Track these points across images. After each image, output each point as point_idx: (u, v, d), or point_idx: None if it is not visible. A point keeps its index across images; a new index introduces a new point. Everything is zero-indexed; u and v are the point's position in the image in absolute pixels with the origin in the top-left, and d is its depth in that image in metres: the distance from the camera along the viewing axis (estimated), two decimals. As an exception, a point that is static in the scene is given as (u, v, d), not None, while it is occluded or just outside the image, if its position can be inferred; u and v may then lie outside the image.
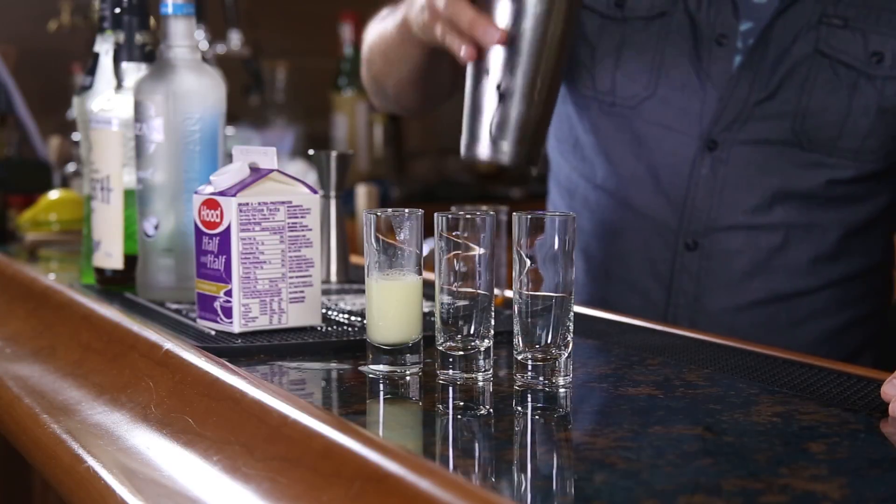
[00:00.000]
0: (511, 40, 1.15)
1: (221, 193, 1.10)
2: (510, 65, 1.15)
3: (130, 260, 1.35)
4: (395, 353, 0.99)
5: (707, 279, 1.46)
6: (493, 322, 0.97)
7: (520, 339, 0.95)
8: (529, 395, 0.94)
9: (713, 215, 1.45)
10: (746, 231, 1.45)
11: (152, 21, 1.38)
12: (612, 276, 1.53)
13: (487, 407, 0.93)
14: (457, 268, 0.95)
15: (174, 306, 1.25)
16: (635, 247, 1.50)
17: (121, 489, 0.85)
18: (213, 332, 1.11)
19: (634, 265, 1.50)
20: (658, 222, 1.48)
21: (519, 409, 0.92)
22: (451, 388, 0.96)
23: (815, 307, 1.47)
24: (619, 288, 1.51)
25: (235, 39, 3.22)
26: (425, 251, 1.02)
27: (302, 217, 1.12)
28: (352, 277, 1.43)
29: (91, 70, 1.43)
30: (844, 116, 1.41)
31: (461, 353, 0.97)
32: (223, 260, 1.09)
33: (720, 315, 1.46)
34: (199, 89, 1.26)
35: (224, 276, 1.09)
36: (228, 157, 1.17)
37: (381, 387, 0.98)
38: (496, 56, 1.16)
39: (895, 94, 1.40)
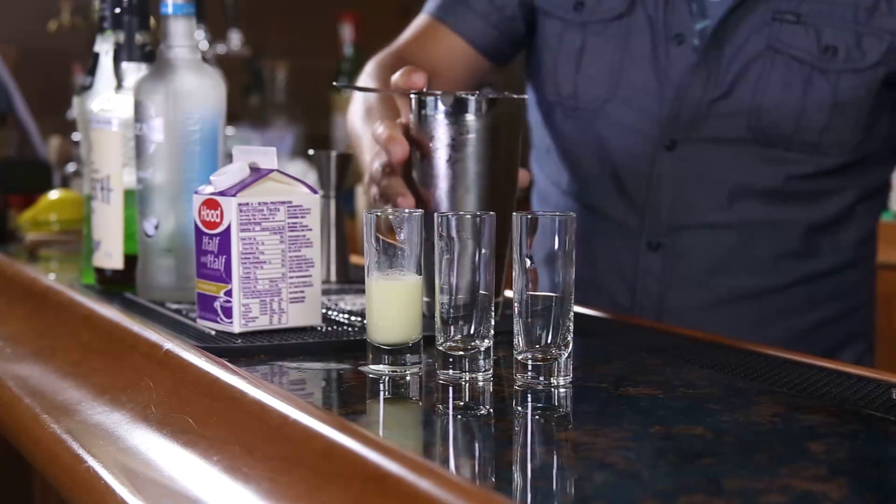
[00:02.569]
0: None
1: (221, 193, 1.10)
2: None
3: (130, 260, 1.35)
4: (395, 353, 0.99)
5: (670, 279, 1.47)
6: (493, 322, 0.97)
7: (520, 339, 0.95)
8: (529, 395, 0.94)
9: (674, 215, 1.46)
10: (708, 230, 1.45)
11: (152, 21, 1.38)
12: (581, 280, 1.53)
13: (487, 407, 0.93)
14: (457, 268, 0.95)
15: (174, 306, 1.25)
16: (601, 250, 1.51)
17: (121, 489, 0.85)
18: (213, 332, 1.11)
19: (600, 269, 1.51)
20: (621, 224, 1.49)
21: (519, 409, 0.92)
22: (451, 388, 0.96)
23: (784, 306, 1.47)
24: (589, 294, 1.50)
25: (235, 39, 3.22)
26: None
27: (302, 217, 1.12)
28: (352, 277, 1.43)
29: (91, 70, 1.43)
30: (799, 112, 1.41)
31: (461, 353, 0.97)
32: (223, 260, 1.09)
33: (685, 314, 1.46)
34: (199, 89, 1.26)
35: (224, 276, 1.09)
36: (228, 157, 1.17)
37: (381, 387, 0.98)
38: None
39: (850, 87, 1.40)
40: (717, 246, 1.45)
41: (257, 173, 1.11)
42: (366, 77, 1.52)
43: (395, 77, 1.19)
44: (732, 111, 1.42)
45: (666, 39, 1.45)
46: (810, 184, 1.44)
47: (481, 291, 0.96)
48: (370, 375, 1.00)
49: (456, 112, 1.13)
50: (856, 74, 1.40)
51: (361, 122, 1.45)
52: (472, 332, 0.96)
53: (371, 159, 1.22)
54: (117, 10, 1.38)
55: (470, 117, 1.13)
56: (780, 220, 1.45)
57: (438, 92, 1.15)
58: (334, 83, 1.56)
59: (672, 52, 1.44)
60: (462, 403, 0.93)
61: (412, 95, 1.16)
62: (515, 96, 1.16)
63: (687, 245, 1.46)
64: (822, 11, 1.41)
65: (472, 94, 1.14)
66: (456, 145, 1.13)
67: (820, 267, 1.48)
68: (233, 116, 2.41)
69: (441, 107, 1.13)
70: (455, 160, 1.13)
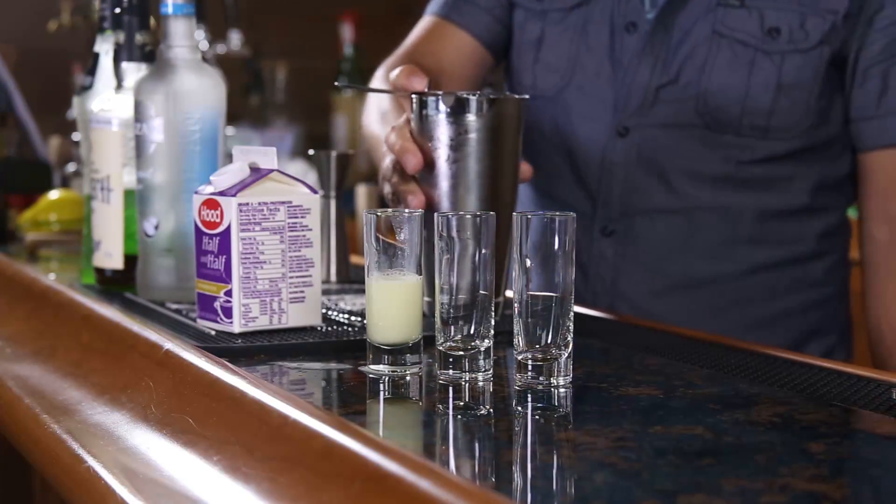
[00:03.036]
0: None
1: (221, 193, 1.10)
2: None
3: (130, 260, 1.35)
4: (395, 353, 0.99)
5: (623, 264, 1.47)
6: (493, 322, 0.97)
7: (520, 339, 0.95)
8: (529, 395, 0.94)
9: (626, 201, 1.46)
10: (659, 215, 1.46)
11: (152, 21, 1.38)
12: None
13: (487, 407, 0.93)
14: (457, 268, 0.95)
15: (174, 306, 1.25)
16: None
17: (121, 489, 0.85)
18: (213, 332, 1.11)
19: None
20: (576, 211, 1.48)
21: (519, 409, 0.92)
22: (451, 388, 0.96)
23: (740, 294, 1.46)
24: None
25: (235, 39, 3.22)
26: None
27: (302, 217, 1.12)
28: (352, 277, 1.43)
29: (91, 70, 1.43)
30: (744, 94, 1.41)
31: (461, 353, 0.97)
32: (223, 260, 1.09)
33: (638, 300, 1.47)
34: (199, 89, 1.26)
35: (224, 276, 1.09)
36: (228, 157, 1.17)
37: (381, 387, 0.98)
38: None
39: (795, 68, 1.41)
40: (668, 232, 1.46)
41: (257, 173, 1.11)
42: (377, 82, 1.53)
43: (394, 76, 1.19)
44: (680, 96, 1.43)
45: (620, 27, 1.47)
46: (763, 169, 1.44)
47: (481, 291, 0.96)
48: (370, 375, 1.00)
49: (457, 112, 1.13)
50: (800, 55, 1.41)
51: (378, 125, 1.46)
52: (472, 332, 0.96)
53: (383, 155, 1.23)
54: (117, 10, 1.38)
55: (471, 117, 1.13)
56: (733, 206, 1.45)
57: (439, 92, 1.16)
58: (336, 83, 1.56)
59: (626, 39, 1.47)
60: (462, 403, 0.93)
61: (413, 96, 1.16)
62: (517, 96, 1.16)
63: (639, 231, 1.46)
64: None
65: (473, 94, 1.14)
66: (456, 145, 1.14)
67: (778, 256, 1.47)
68: (233, 116, 2.41)
69: (442, 107, 1.14)
70: (456, 160, 1.14)
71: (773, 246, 1.47)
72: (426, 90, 1.17)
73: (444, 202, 1.15)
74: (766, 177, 1.45)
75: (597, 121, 1.48)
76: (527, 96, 1.19)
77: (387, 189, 1.22)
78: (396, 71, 1.20)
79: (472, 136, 1.13)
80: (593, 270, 1.49)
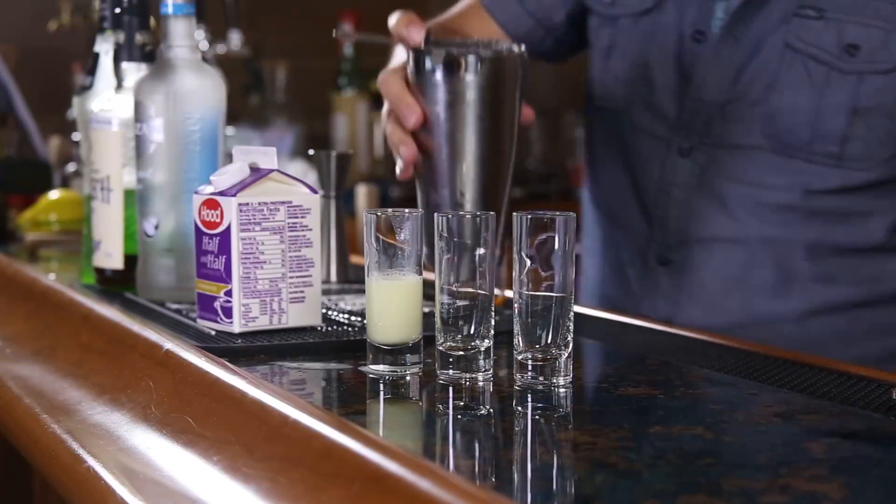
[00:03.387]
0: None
1: (221, 193, 1.10)
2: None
3: (130, 260, 1.35)
4: (395, 353, 0.99)
5: (679, 298, 1.37)
6: (493, 322, 0.97)
7: (520, 339, 0.95)
8: (529, 395, 0.94)
9: (682, 225, 1.37)
10: (717, 244, 1.35)
11: (152, 21, 1.38)
12: (594, 294, 1.48)
13: (487, 407, 0.93)
14: (457, 268, 0.95)
15: (174, 306, 1.25)
16: (611, 263, 1.45)
17: (121, 489, 0.85)
18: (213, 332, 1.11)
19: (609, 282, 1.45)
20: (632, 234, 1.41)
21: (519, 409, 0.92)
22: (451, 388, 0.96)
23: (807, 338, 1.33)
24: (605, 307, 1.44)
25: (235, 39, 3.22)
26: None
27: (302, 217, 1.12)
28: (352, 277, 1.43)
29: (91, 70, 1.43)
30: (815, 116, 1.30)
31: (461, 353, 0.97)
32: (223, 260, 1.09)
33: None
34: (199, 89, 1.26)
35: (224, 276, 1.09)
36: (228, 157, 1.17)
37: (381, 387, 0.98)
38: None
39: (874, 91, 1.29)
40: (726, 263, 1.35)
41: (257, 173, 1.11)
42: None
43: (392, 22, 1.16)
44: (746, 115, 1.33)
45: (688, 37, 1.36)
46: (835, 201, 1.32)
47: (481, 291, 0.96)
48: (370, 375, 1.00)
49: (452, 70, 1.11)
50: (881, 77, 1.28)
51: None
52: (472, 332, 0.96)
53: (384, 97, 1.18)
54: (117, 10, 1.38)
55: (465, 73, 1.11)
56: (799, 238, 1.33)
57: (434, 47, 1.14)
58: (334, 29, 1.51)
59: (694, 50, 1.36)
60: (462, 403, 0.93)
61: (410, 51, 1.14)
62: (514, 51, 1.14)
63: (697, 262, 1.36)
64: (848, 6, 1.29)
65: (467, 49, 1.12)
66: (452, 100, 1.12)
67: (851, 296, 1.34)
68: (233, 116, 2.41)
69: (436, 63, 1.12)
70: (451, 115, 1.12)
71: (845, 285, 1.34)
72: (424, 40, 1.15)
73: (440, 159, 1.13)
74: (839, 209, 1.33)
75: (658, 137, 1.38)
76: (523, 50, 1.14)
77: (387, 129, 1.18)
78: (395, 17, 1.16)
79: (468, 90, 1.11)
80: (647, 303, 1.40)
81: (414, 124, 1.13)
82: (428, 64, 1.12)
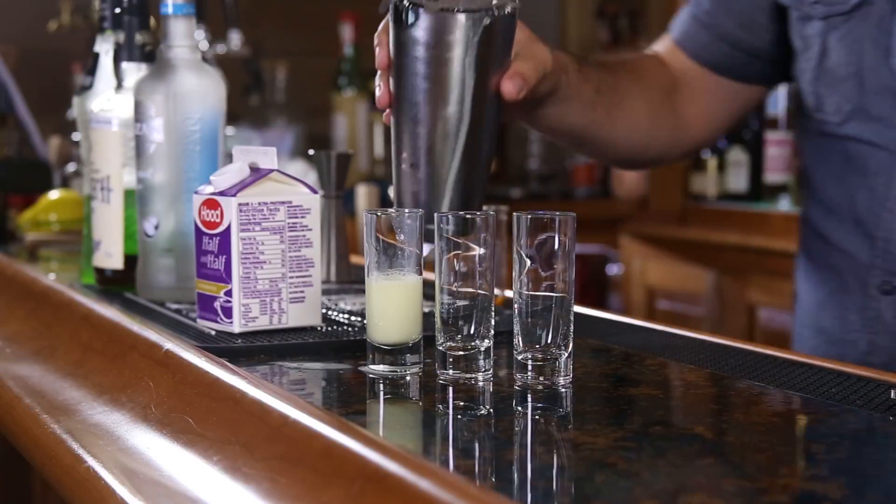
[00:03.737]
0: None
1: (221, 193, 1.10)
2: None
3: (130, 260, 1.35)
4: (395, 353, 0.99)
5: None
6: (493, 322, 0.97)
7: (520, 339, 0.95)
8: (529, 395, 0.94)
9: None
10: None
11: (152, 21, 1.38)
12: (810, 325, 1.35)
13: (487, 407, 0.93)
14: (457, 268, 0.95)
15: (174, 306, 1.25)
16: (828, 290, 1.31)
17: (121, 489, 0.85)
18: (213, 332, 1.11)
19: (825, 312, 1.31)
20: (851, 259, 1.27)
21: (519, 409, 0.92)
22: (451, 388, 0.96)
23: None
24: (819, 339, 1.31)
25: (235, 39, 3.22)
26: (425, 251, 1.01)
27: (302, 217, 1.12)
28: (352, 277, 1.43)
29: (91, 70, 1.43)
30: None
31: (461, 353, 0.97)
32: (223, 260, 1.09)
33: None
34: (199, 89, 1.26)
35: (224, 276, 1.09)
36: (228, 157, 1.17)
37: (381, 387, 0.98)
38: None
39: None
40: None
41: (257, 173, 1.11)
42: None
43: None
44: None
45: None
46: None
47: (481, 291, 0.96)
48: (370, 375, 1.00)
49: (397, 19, 1.07)
50: None
51: None
52: (472, 332, 0.96)
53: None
54: (117, 10, 1.38)
55: (409, 27, 1.06)
56: None
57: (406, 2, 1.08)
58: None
59: None
60: (462, 403, 0.93)
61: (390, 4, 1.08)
62: (507, 10, 1.07)
63: None
64: None
65: (448, 7, 1.05)
66: (431, 58, 1.06)
67: None
68: (233, 116, 2.41)
69: (383, 11, 1.08)
70: (430, 72, 1.07)
71: None
72: None
73: (420, 104, 1.08)
74: None
75: (883, 148, 1.22)
76: (512, 7, 1.06)
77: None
78: None
79: (446, 47, 1.06)
80: (868, 337, 1.25)
81: (378, 63, 1.07)
82: (402, 19, 1.07)
